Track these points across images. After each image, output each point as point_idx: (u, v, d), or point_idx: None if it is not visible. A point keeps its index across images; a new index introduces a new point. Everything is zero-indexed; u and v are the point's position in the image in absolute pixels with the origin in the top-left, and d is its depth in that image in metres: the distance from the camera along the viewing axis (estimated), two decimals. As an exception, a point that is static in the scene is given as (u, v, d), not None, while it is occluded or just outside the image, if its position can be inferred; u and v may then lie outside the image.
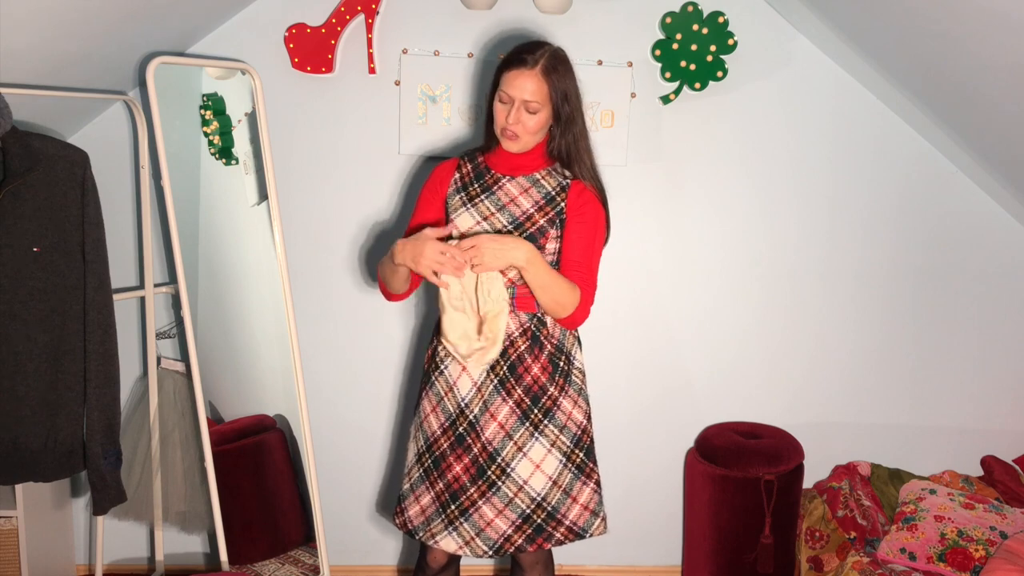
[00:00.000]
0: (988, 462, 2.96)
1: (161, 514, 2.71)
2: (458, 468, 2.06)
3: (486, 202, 2.07)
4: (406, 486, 2.15)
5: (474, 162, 2.14)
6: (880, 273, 2.90)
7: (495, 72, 2.05)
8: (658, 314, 2.91)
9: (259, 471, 2.69)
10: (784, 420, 2.96)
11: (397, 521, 2.17)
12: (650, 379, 2.94)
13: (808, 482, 2.92)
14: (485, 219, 2.05)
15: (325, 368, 2.88)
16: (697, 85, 2.69)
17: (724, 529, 2.70)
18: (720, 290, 2.90)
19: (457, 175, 2.13)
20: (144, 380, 2.76)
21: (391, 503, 2.97)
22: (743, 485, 2.66)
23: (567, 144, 2.07)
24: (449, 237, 2.00)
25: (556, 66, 2.00)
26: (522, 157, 2.08)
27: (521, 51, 2.01)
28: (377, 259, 2.80)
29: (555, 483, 2.06)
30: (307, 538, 2.72)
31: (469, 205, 2.07)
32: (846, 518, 2.73)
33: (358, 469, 2.95)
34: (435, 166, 2.21)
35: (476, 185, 2.10)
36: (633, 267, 2.87)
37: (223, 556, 2.49)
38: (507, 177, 2.08)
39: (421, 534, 2.11)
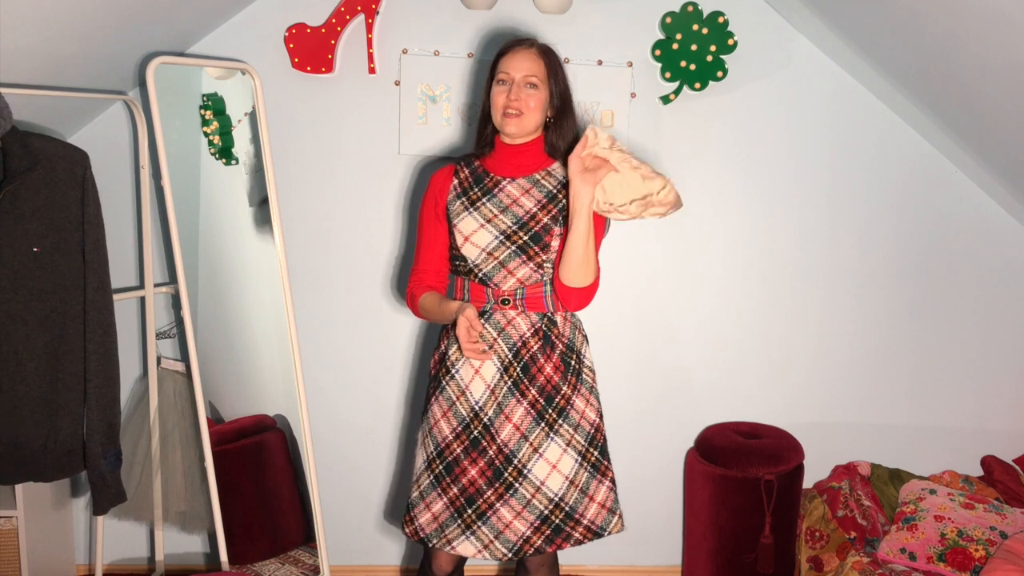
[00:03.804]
0: (988, 462, 2.96)
1: (161, 514, 2.71)
2: (473, 472, 2.04)
3: (488, 204, 2.06)
4: (415, 494, 2.12)
5: (471, 166, 2.13)
6: (880, 273, 2.90)
7: (488, 71, 2.09)
8: (658, 314, 2.91)
9: (259, 471, 2.69)
10: (784, 420, 2.96)
11: (407, 530, 2.12)
12: (650, 379, 2.94)
13: (808, 482, 2.92)
14: (489, 221, 2.04)
15: (325, 368, 2.88)
16: (697, 85, 2.69)
17: (724, 529, 2.70)
18: (720, 290, 2.90)
19: (455, 181, 2.12)
20: (144, 380, 2.76)
21: (399, 510, 2.96)
22: (743, 485, 2.66)
23: (563, 136, 2.08)
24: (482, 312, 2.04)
25: (551, 52, 2.09)
26: (521, 155, 2.07)
27: (515, 39, 2.10)
28: (378, 259, 2.82)
29: (572, 483, 2.05)
30: (307, 538, 2.72)
31: (471, 209, 2.07)
32: (846, 518, 2.73)
33: (358, 469, 2.94)
34: (432, 172, 2.20)
35: (476, 189, 2.09)
36: (633, 267, 2.87)
37: (223, 556, 2.49)
38: (507, 179, 2.08)
39: (435, 541, 2.07)
